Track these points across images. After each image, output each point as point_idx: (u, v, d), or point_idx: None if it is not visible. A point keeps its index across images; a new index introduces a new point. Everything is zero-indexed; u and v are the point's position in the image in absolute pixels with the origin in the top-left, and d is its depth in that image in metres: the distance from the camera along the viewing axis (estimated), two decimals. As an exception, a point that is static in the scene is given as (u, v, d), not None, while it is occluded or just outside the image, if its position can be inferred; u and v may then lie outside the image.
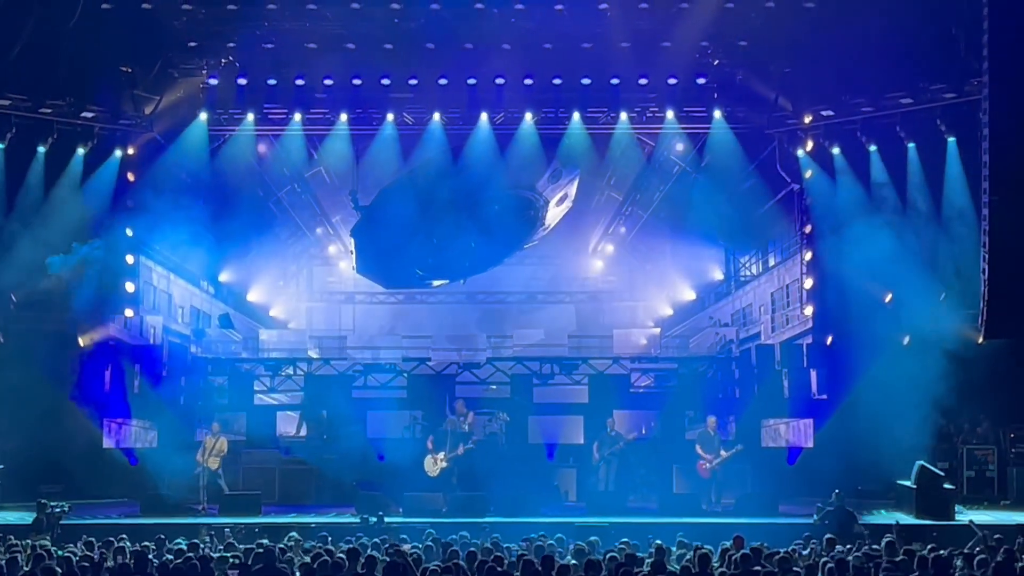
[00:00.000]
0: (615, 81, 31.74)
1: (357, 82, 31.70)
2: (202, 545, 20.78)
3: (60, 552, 19.26)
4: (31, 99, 30.70)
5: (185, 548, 19.32)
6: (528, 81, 31.68)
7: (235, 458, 31.28)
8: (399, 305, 44.95)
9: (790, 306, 35.57)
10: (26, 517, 26.26)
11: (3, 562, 18.23)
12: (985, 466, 31.44)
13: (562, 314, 44.52)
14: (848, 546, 20.86)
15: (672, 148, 35.41)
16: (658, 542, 19.57)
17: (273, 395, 35.27)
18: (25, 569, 17.81)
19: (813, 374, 32.08)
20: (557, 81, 31.79)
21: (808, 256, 32.92)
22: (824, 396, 31.62)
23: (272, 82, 31.86)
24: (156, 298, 36.38)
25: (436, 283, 39.43)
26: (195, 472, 29.77)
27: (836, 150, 32.04)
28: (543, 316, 43.19)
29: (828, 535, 21.36)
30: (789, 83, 31.94)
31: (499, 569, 17.23)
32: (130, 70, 31.66)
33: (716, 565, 18.38)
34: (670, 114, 32.60)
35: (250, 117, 32.61)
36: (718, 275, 42.37)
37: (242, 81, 31.92)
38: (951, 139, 30.01)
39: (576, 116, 32.56)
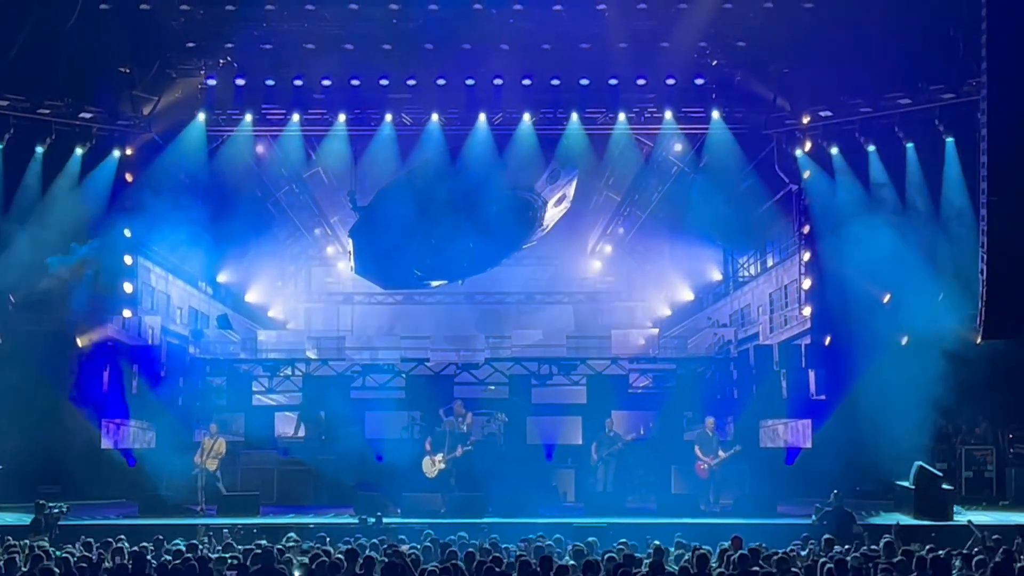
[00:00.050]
0: (613, 81, 31.71)
1: (355, 83, 31.67)
2: (200, 546, 20.77)
3: (58, 553, 19.25)
4: (29, 99, 30.67)
5: (184, 549, 19.32)
6: (526, 82, 31.65)
7: (233, 459, 31.26)
8: (397, 306, 44.97)
9: (788, 306, 35.57)
10: (24, 518, 26.23)
11: (1, 563, 18.24)
12: (983, 466, 31.46)
13: (560, 315, 44.55)
14: (846, 547, 20.85)
15: (670, 148, 35.39)
16: (656, 543, 19.58)
17: (271, 396, 35.29)
18: (23, 570, 17.81)
19: (811, 374, 32.13)
20: (555, 82, 31.75)
21: (806, 256, 32.91)
22: (822, 397, 31.65)
23: (270, 83, 31.82)
24: (154, 299, 36.38)
25: (434, 284, 39.41)
26: (192, 474, 29.74)
27: (834, 150, 32.03)
28: (541, 317, 43.21)
29: (826, 536, 21.37)
30: (787, 83, 31.91)
31: (497, 570, 17.23)
32: (128, 71, 31.61)
33: (714, 566, 18.38)
34: (668, 114, 32.58)
35: (248, 118, 32.57)
36: (716, 276, 42.38)
37: (240, 82, 31.87)
38: (949, 139, 29.99)
39: (574, 116, 32.51)
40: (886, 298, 31.17)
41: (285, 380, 34.97)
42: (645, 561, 18.22)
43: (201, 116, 32.38)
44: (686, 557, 18.92)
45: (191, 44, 31.36)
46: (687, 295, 43.28)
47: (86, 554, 19.25)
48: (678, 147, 35.00)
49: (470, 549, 19.55)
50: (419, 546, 20.58)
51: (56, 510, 25.65)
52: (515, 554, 19.28)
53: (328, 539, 22.02)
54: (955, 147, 29.86)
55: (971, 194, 27.97)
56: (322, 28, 30.53)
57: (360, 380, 34.63)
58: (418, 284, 39.34)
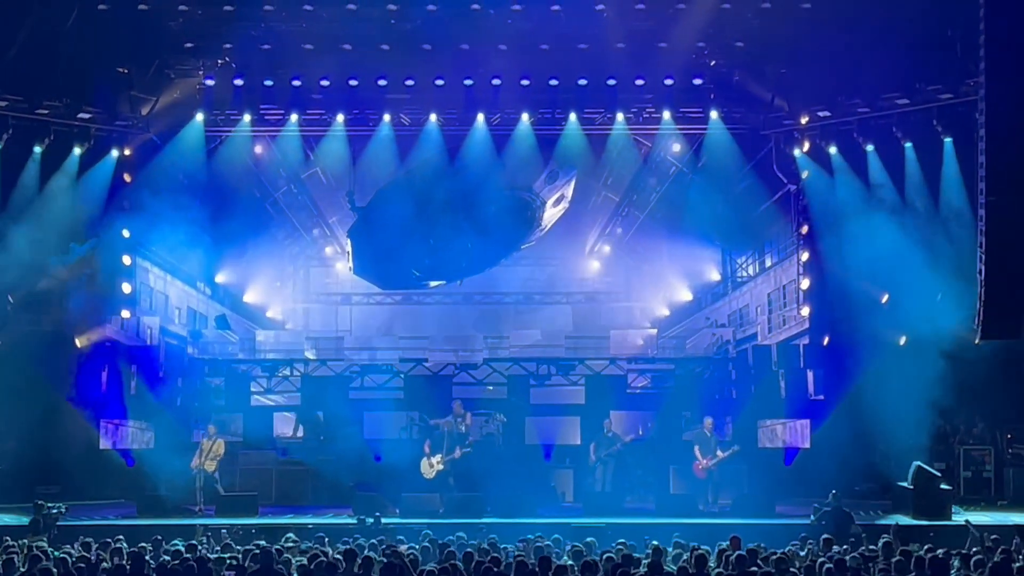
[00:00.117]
0: (612, 82, 31.70)
1: (354, 83, 31.67)
2: (199, 546, 20.77)
3: (57, 553, 19.25)
4: (28, 100, 30.64)
5: (183, 550, 19.32)
6: (525, 82, 31.66)
7: (232, 459, 31.25)
8: (396, 306, 44.98)
9: (787, 307, 35.59)
10: (23, 518, 26.22)
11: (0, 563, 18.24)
12: (982, 466, 31.47)
13: (559, 315, 44.57)
14: (845, 547, 20.85)
15: (669, 149, 35.42)
16: (655, 543, 19.58)
17: (270, 396, 35.29)
18: (22, 570, 17.81)
19: (810, 375, 32.14)
20: (554, 82, 31.74)
21: (805, 257, 32.93)
22: (821, 397, 31.66)
23: (269, 83, 31.82)
24: (153, 299, 36.41)
25: (433, 284, 39.42)
26: (191, 475, 29.72)
27: (833, 150, 32.03)
28: (540, 317, 43.23)
29: (825, 536, 21.35)
30: (785, 84, 31.93)
31: (496, 570, 17.23)
32: (127, 71, 31.61)
33: (713, 566, 18.38)
34: (667, 115, 32.59)
35: (247, 118, 32.57)
36: (715, 276, 42.41)
37: (238, 82, 31.87)
38: (947, 140, 30.00)
39: (573, 117, 32.52)
40: (884, 298, 31.17)
41: (284, 380, 34.97)
42: (644, 561, 18.22)
43: (199, 116, 32.37)
44: (684, 557, 18.93)
45: (189, 44, 31.35)
46: (685, 295, 43.30)
47: (84, 554, 19.25)
48: (676, 147, 35.03)
49: (468, 549, 19.56)
50: (417, 546, 20.59)
51: (55, 510, 25.63)
52: (514, 554, 19.27)
53: (327, 539, 22.02)
54: (953, 147, 29.86)
55: (969, 194, 27.97)
56: (320, 28, 30.52)
57: (359, 380, 34.64)
58: (416, 284, 39.37)
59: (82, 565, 17.80)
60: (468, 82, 31.77)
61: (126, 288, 33.14)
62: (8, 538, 21.28)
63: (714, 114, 32.39)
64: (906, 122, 30.80)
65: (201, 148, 32.95)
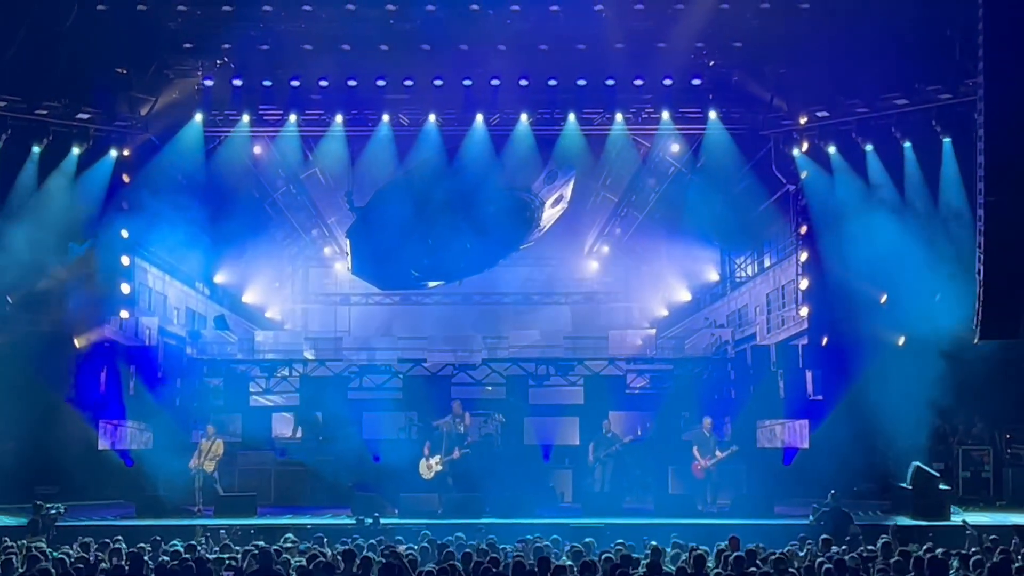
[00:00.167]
0: (610, 82, 31.69)
1: (352, 83, 31.64)
2: (198, 547, 20.77)
3: (55, 553, 19.24)
4: (26, 100, 30.63)
5: (182, 550, 19.31)
6: (523, 82, 31.63)
7: (231, 459, 31.26)
8: (395, 306, 45.02)
9: (786, 307, 35.60)
10: (22, 518, 26.21)
11: (-2, 564, 18.24)
12: (981, 467, 31.46)
13: (558, 315, 44.61)
14: (843, 547, 20.85)
15: (667, 149, 35.42)
16: (653, 543, 19.57)
17: (269, 396, 35.28)
18: (20, 570, 17.81)
19: (809, 375, 32.15)
20: (552, 82, 31.73)
21: (804, 257, 32.93)
22: (820, 397, 31.67)
23: (267, 83, 31.80)
24: (152, 299, 36.40)
25: (432, 284, 39.43)
26: (190, 475, 29.71)
27: (832, 149, 32.02)
28: (539, 317, 43.25)
29: (824, 536, 21.35)
30: (784, 84, 31.92)
31: (495, 570, 17.22)
32: (125, 71, 31.60)
33: (712, 566, 18.38)
34: (665, 115, 32.55)
35: (245, 118, 32.55)
36: (714, 276, 42.43)
37: (237, 82, 31.83)
38: (946, 140, 29.98)
39: (571, 117, 32.49)
40: (883, 298, 31.17)
41: (282, 381, 34.97)
42: (643, 562, 18.22)
43: (198, 117, 32.33)
44: (683, 558, 18.93)
45: (188, 45, 31.32)
46: (684, 295, 43.33)
47: (83, 555, 19.26)
48: (675, 147, 35.03)
49: (467, 550, 19.55)
50: (416, 547, 20.58)
51: (53, 511, 25.62)
52: (512, 555, 19.26)
53: (325, 540, 22.02)
54: (952, 147, 29.85)
55: (968, 194, 27.97)
56: (319, 29, 30.49)
57: (357, 381, 34.62)
58: (415, 285, 39.37)
59: (81, 566, 17.81)
60: (467, 82, 31.75)
61: (125, 288, 33.12)
62: (7, 538, 21.26)
63: (713, 114, 32.36)
64: (905, 122, 30.79)
65: (200, 148, 32.92)
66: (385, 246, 35.21)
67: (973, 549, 20.24)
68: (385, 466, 30.88)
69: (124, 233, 32.94)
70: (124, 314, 32.95)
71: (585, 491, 30.86)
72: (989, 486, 31.30)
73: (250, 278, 42.18)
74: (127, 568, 17.78)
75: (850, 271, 30.85)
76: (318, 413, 33.55)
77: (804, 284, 32.89)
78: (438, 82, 31.64)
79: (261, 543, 19.86)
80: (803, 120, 32.32)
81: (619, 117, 32.59)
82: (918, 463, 28.41)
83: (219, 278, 40.83)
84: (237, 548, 20.61)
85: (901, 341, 30.87)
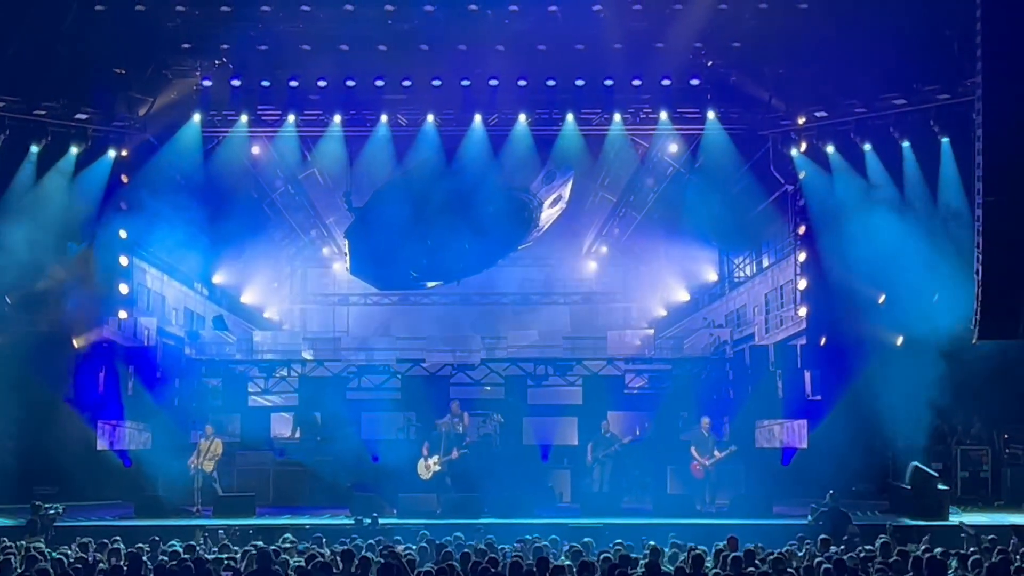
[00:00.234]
0: (609, 82, 31.68)
1: (351, 83, 31.62)
2: (198, 547, 20.77)
3: (54, 554, 19.23)
4: (25, 100, 30.63)
5: (181, 550, 19.30)
6: (522, 82, 31.62)
7: (229, 460, 31.27)
8: (393, 307, 45.07)
9: (784, 307, 35.62)
10: (20, 519, 26.20)
11: (-3, 564, 18.23)
12: (979, 467, 31.46)
13: (556, 315, 44.66)
14: (842, 547, 20.85)
15: (666, 149, 35.43)
16: (652, 543, 19.57)
17: (267, 397, 35.28)
18: (19, 571, 17.79)
19: (807, 375, 32.14)
20: (551, 82, 31.72)
21: (802, 257, 32.92)
22: (818, 397, 31.66)
23: (266, 84, 31.78)
24: (150, 300, 36.40)
25: (430, 284, 39.42)
26: (189, 475, 29.71)
27: (830, 149, 32.00)
28: (537, 317, 43.30)
29: (822, 536, 21.35)
30: (783, 84, 31.93)
31: (493, 570, 17.22)
32: (124, 72, 31.58)
33: (710, 566, 18.38)
34: (664, 115, 32.52)
35: (244, 119, 32.52)
36: (712, 276, 42.45)
37: (236, 83, 31.82)
38: (945, 140, 29.98)
39: (570, 117, 32.46)
40: (881, 298, 31.17)
41: (281, 381, 34.96)
42: (641, 562, 18.22)
43: (196, 117, 32.30)
44: (681, 558, 18.92)
45: (186, 45, 31.30)
46: (683, 296, 43.36)
47: (82, 555, 19.26)
48: (674, 148, 35.03)
49: (466, 550, 19.55)
50: (415, 547, 20.59)
51: (52, 511, 25.62)
52: (511, 555, 19.26)
53: (324, 540, 22.01)
54: (951, 147, 29.85)
55: (967, 194, 27.97)
56: (317, 29, 30.49)
57: (356, 381, 34.62)
58: (414, 285, 39.38)
59: (79, 566, 17.80)
60: (465, 83, 31.73)
61: (123, 289, 33.09)
62: (5, 539, 21.22)
63: (711, 114, 32.33)
64: (903, 122, 30.79)
65: (198, 149, 32.90)
66: (384, 246, 35.19)
67: (971, 549, 20.24)
68: (384, 466, 30.90)
69: (122, 233, 32.93)
70: (123, 314, 32.92)
71: (584, 491, 30.88)
72: (987, 486, 31.30)
73: (248, 278, 42.20)
74: (125, 568, 17.78)
75: (849, 271, 30.85)
76: (317, 413, 33.57)
77: (802, 284, 32.89)
78: (436, 82, 31.64)
79: (260, 543, 19.86)
80: (801, 120, 32.32)
81: (617, 117, 32.56)
82: (917, 463, 28.41)
83: (218, 278, 40.84)
84: (236, 548, 20.60)
85: (899, 341, 30.89)
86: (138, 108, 32.36)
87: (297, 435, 34.24)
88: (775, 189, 34.28)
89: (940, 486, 27.97)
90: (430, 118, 32.70)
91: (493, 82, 31.57)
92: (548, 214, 36.52)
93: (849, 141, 31.65)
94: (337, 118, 32.49)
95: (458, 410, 31.28)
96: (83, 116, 31.76)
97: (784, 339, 34.35)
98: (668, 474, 31.19)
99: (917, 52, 29.15)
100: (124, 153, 32.63)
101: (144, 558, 18.81)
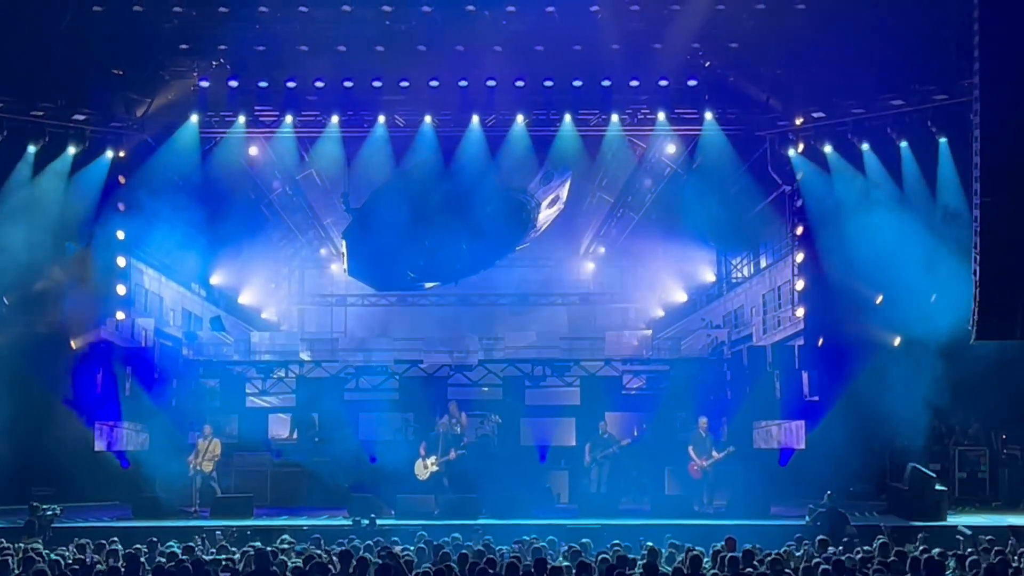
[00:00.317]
0: (606, 83, 31.66)
1: (348, 84, 31.60)
2: (196, 548, 20.76)
3: (51, 555, 19.22)
4: (22, 101, 30.62)
5: (178, 551, 19.30)
6: (519, 83, 31.61)
7: (227, 460, 31.26)
8: (391, 307, 45.04)
9: (782, 308, 35.60)
10: (18, 520, 26.18)
11: (-5, 565, 18.23)
12: (977, 467, 31.46)
13: (554, 316, 44.62)
14: (840, 547, 20.85)
15: (663, 150, 35.41)
16: (650, 544, 19.57)
17: (265, 398, 35.28)
18: (16, 572, 17.79)
19: (805, 376, 32.13)
20: (548, 83, 31.69)
21: (800, 257, 32.91)
22: (816, 398, 31.65)
23: (263, 84, 31.75)
24: (148, 301, 36.37)
25: (428, 285, 39.42)
26: (188, 475, 29.71)
27: (828, 150, 32.00)
28: (535, 318, 43.24)
29: (820, 536, 21.35)
30: (780, 85, 31.92)
31: (491, 571, 17.22)
32: (121, 72, 31.57)
33: (708, 567, 18.38)
34: (661, 116, 32.48)
35: (241, 119, 32.49)
36: (710, 277, 42.42)
37: (233, 83, 31.77)
38: (943, 140, 29.97)
39: (567, 118, 32.42)
40: (879, 299, 31.17)
41: (279, 382, 34.97)
42: (639, 562, 18.21)
43: (194, 118, 32.29)
44: (679, 558, 18.92)
45: (184, 46, 31.28)
46: (680, 296, 43.33)
47: (79, 556, 19.25)
48: (671, 148, 35.01)
49: (464, 551, 19.55)
50: (413, 548, 20.59)
51: (49, 512, 25.62)
52: (509, 555, 19.26)
53: (322, 541, 22.00)
54: (948, 148, 29.84)
55: (965, 194, 27.98)
56: (315, 30, 30.48)
57: (354, 382, 34.64)
58: (412, 286, 39.38)
59: (77, 567, 17.80)
60: (463, 83, 31.70)
61: (121, 290, 33.05)
62: (3, 540, 21.24)
63: (709, 115, 32.29)
64: (901, 123, 30.77)
65: (196, 149, 32.88)
66: (381, 247, 35.19)
67: (969, 550, 20.25)
68: (381, 467, 30.91)
69: (120, 234, 32.89)
70: (120, 315, 32.89)
71: (581, 492, 30.88)
72: (985, 486, 31.30)
73: (246, 279, 42.17)
74: (123, 569, 17.77)
75: (847, 272, 30.84)
76: (314, 414, 33.56)
77: (800, 285, 32.87)
78: (434, 83, 31.62)
79: (257, 544, 19.87)
80: (799, 121, 32.32)
81: (615, 118, 32.54)
82: (914, 464, 28.41)
83: (215, 279, 40.81)
84: (233, 549, 20.60)
85: (897, 342, 30.89)
86: (136, 109, 32.37)
87: (295, 436, 34.23)
88: (773, 190, 34.26)
89: (938, 487, 27.96)
90: (428, 119, 32.68)
91: (491, 83, 31.56)
92: (546, 215, 36.52)
93: (847, 141, 31.64)
94: (335, 119, 32.45)
95: (456, 411, 31.29)
96: (81, 117, 31.74)
97: (782, 340, 34.33)
98: (666, 475, 31.20)
99: (915, 53, 29.14)
100: (122, 154, 32.61)
101: (142, 559, 18.82)
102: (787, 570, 17.64)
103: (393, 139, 33.30)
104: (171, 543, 20.76)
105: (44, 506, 25.75)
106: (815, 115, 32.12)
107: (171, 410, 32.41)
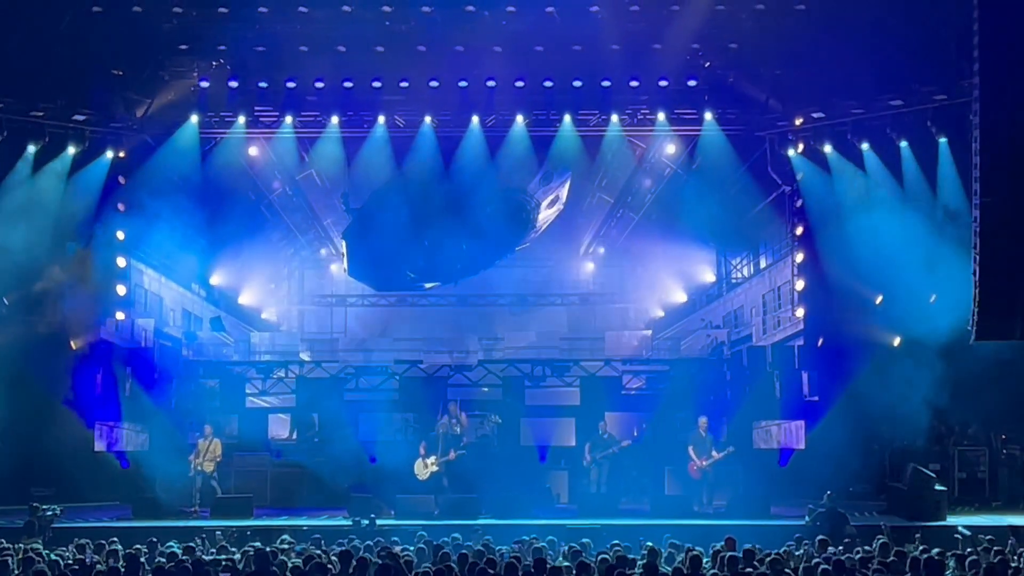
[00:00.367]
0: (606, 83, 31.66)
1: (348, 84, 31.60)
2: (196, 548, 20.77)
3: (51, 555, 19.23)
4: (22, 101, 30.63)
5: (178, 552, 19.30)
6: (519, 83, 31.60)
7: (227, 461, 31.24)
8: (391, 308, 45.06)
9: (781, 308, 35.61)
10: (17, 520, 26.18)
11: (-6, 565, 18.23)
12: (977, 467, 31.45)
13: (554, 316, 44.65)
14: (840, 547, 20.86)
15: (663, 150, 35.40)
16: (649, 544, 19.57)
17: (265, 398, 35.28)
18: (16, 572, 17.79)
19: (805, 376, 32.13)
20: (548, 83, 31.68)
21: (799, 258, 32.91)
22: (816, 398, 31.65)
23: (263, 85, 31.76)
24: (147, 301, 36.38)
25: (428, 285, 39.42)
26: (189, 475, 29.72)
27: (827, 150, 31.99)
28: (535, 318, 43.28)
29: (820, 536, 21.35)
30: (780, 85, 31.92)
31: (491, 572, 17.22)
32: (121, 73, 31.57)
33: (708, 567, 18.38)
34: (661, 116, 32.48)
35: (241, 120, 32.49)
36: (709, 277, 42.43)
37: (233, 84, 31.77)
38: (942, 140, 29.96)
39: (567, 118, 32.41)
40: (878, 299, 31.18)
41: (278, 382, 34.97)
42: (639, 562, 18.22)
43: (194, 118, 32.28)
44: (679, 558, 18.92)
45: (184, 46, 31.29)
46: (680, 297, 43.34)
47: (79, 557, 19.25)
48: (671, 149, 34.99)
49: (463, 551, 19.55)
50: (412, 548, 20.59)
51: (49, 512, 25.62)
52: (509, 556, 19.26)
53: (322, 541, 22.01)
54: (948, 148, 29.84)
55: (964, 195, 27.97)
56: (315, 30, 30.48)
57: (353, 382, 34.64)
58: (412, 286, 39.38)
59: (76, 567, 17.80)
60: (463, 84, 31.70)
61: (121, 290, 33.05)
62: (3, 540, 21.24)
63: (708, 115, 32.29)
64: (900, 123, 30.77)
65: (196, 150, 32.87)
66: (381, 247, 35.21)
67: (968, 550, 20.25)
68: (381, 467, 30.91)
69: (120, 234, 32.91)
70: (120, 316, 32.90)
71: (581, 492, 30.87)
72: (985, 487, 31.28)
73: (246, 280, 42.18)
74: (123, 570, 17.77)
75: (846, 272, 30.84)
76: (314, 414, 33.57)
77: (800, 285, 32.87)
78: (434, 83, 31.62)
79: (257, 544, 19.88)
80: (799, 121, 32.32)
81: (615, 118, 32.54)
82: (914, 464, 28.41)
83: (215, 279, 40.82)
84: (233, 550, 20.61)
85: (897, 342, 30.90)
86: (136, 109, 32.38)
87: (295, 436, 34.24)
88: (772, 190, 34.26)
89: (937, 487, 27.96)
90: (428, 119, 32.67)
91: (491, 83, 31.57)
92: (546, 215, 36.53)
93: (846, 142, 31.64)
94: (335, 119, 32.44)
95: (456, 411, 31.30)
96: (81, 117, 31.76)
97: (781, 340, 34.34)
98: (666, 475, 31.19)
99: (914, 53, 29.13)
100: (122, 154, 32.62)
101: (142, 559, 18.82)
102: (787, 570, 17.64)
103: (393, 139, 33.28)
104: (171, 543, 20.76)
105: (44, 506, 25.75)
106: (815, 115, 32.12)
107: (171, 410, 32.41)
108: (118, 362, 32.22)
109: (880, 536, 21.28)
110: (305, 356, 36.62)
